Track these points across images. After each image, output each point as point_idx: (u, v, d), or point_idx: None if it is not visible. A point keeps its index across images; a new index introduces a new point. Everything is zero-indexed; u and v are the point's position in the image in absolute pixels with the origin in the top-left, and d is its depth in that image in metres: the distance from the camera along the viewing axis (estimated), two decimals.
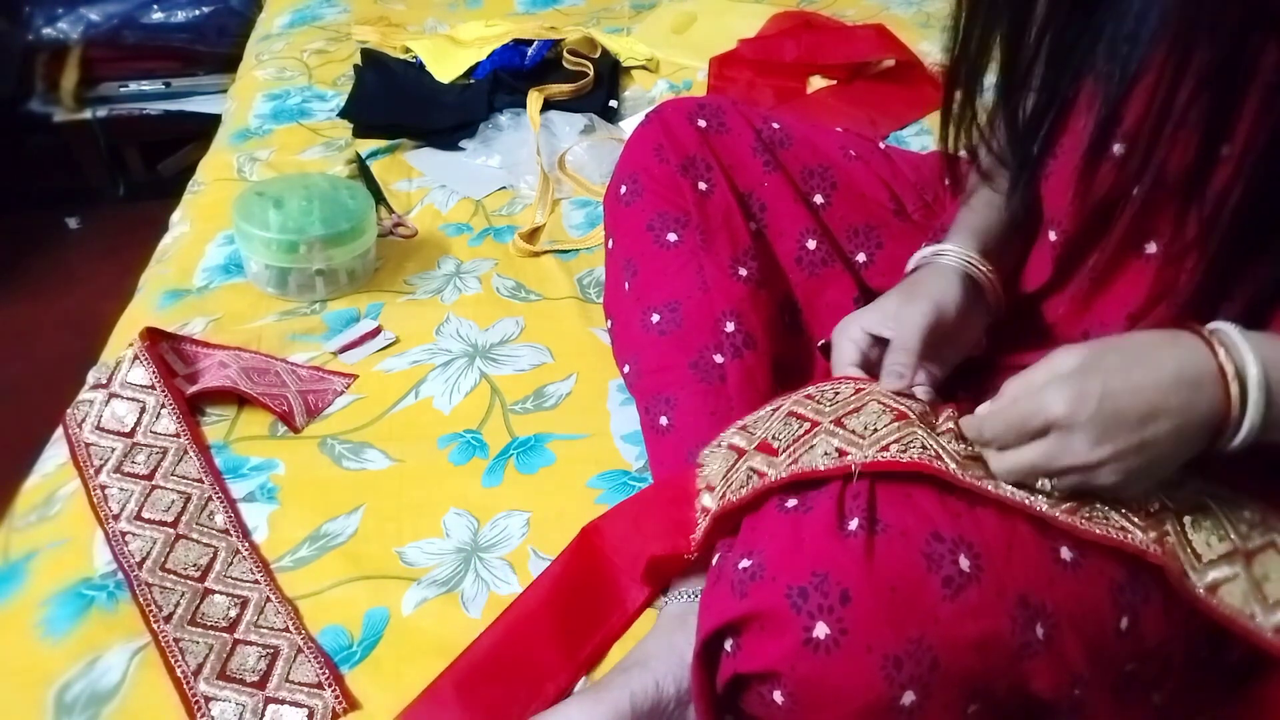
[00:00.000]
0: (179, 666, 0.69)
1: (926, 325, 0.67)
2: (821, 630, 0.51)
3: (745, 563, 0.55)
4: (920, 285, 0.71)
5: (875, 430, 0.60)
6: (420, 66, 1.55)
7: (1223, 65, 0.53)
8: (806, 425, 0.62)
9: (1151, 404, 0.53)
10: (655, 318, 0.82)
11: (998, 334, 0.76)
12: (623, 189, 0.87)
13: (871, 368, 0.69)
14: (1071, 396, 0.54)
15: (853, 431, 0.60)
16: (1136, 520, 0.57)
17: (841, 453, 0.59)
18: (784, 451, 0.62)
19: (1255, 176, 0.55)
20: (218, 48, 2.10)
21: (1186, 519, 0.58)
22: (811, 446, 0.60)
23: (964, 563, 0.53)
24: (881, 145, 0.92)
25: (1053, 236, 0.69)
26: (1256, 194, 0.55)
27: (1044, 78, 0.64)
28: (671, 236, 0.83)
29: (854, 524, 0.54)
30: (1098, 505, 0.57)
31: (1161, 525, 0.57)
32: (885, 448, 0.58)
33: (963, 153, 0.74)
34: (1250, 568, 0.57)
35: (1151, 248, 0.63)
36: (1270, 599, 0.57)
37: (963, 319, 0.70)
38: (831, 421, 0.62)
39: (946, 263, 0.72)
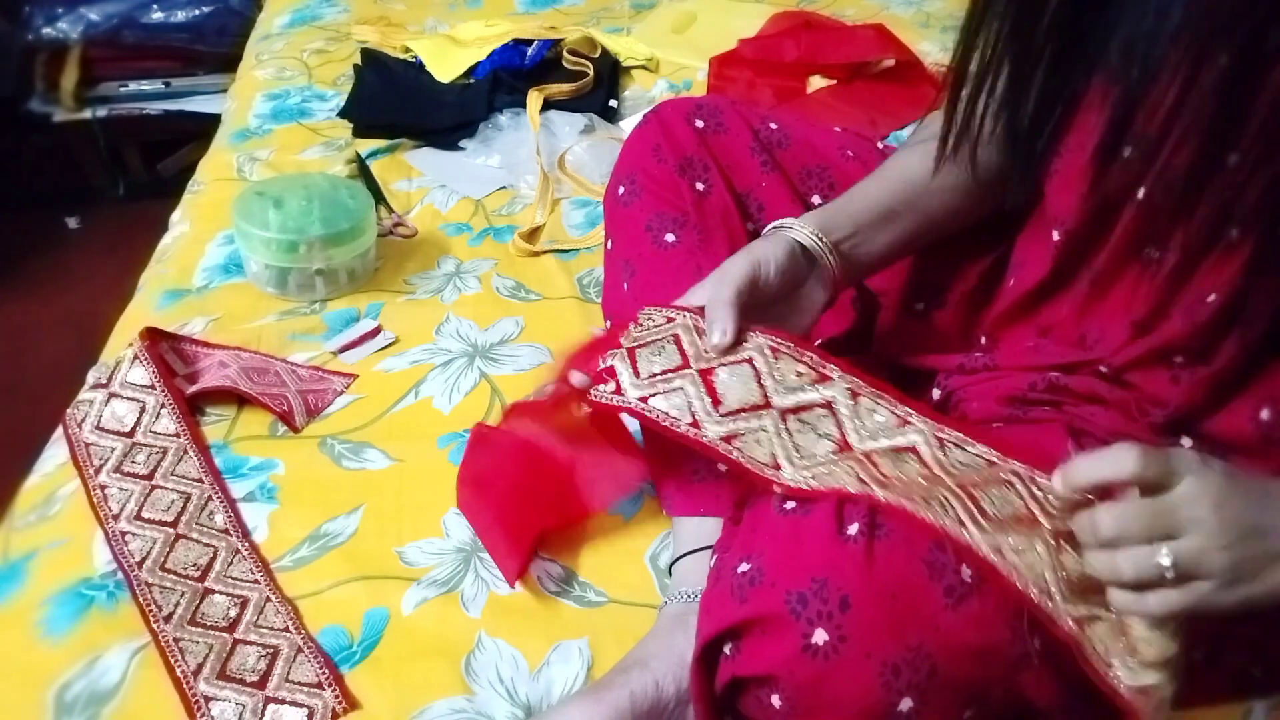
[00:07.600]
0: (179, 666, 0.69)
1: (742, 278, 0.67)
2: (820, 636, 0.51)
3: (744, 566, 0.55)
4: (746, 249, 0.71)
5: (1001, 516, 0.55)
6: (420, 66, 1.55)
7: (1238, 69, 0.52)
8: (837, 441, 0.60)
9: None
10: None
11: (994, 335, 0.76)
12: (621, 190, 0.87)
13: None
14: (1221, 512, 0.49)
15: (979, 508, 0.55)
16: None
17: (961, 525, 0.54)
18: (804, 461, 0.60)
19: (1263, 183, 0.53)
20: (218, 48, 2.10)
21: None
22: (930, 496, 0.55)
23: (966, 572, 0.53)
24: (880, 145, 0.92)
25: (1056, 236, 0.68)
26: (1266, 202, 0.54)
27: (1052, 73, 0.63)
28: (670, 237, 0.83)
29: (854, 529, 0.54)
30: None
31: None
32: (999, 551, 0.53)
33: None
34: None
35: (1154, 253, 0.62)
36: (1138, 657, 0.52)
37: (787, 282, 0.70)
38: (955, 483, 0.56)
39: (780, 235, 0.71)
